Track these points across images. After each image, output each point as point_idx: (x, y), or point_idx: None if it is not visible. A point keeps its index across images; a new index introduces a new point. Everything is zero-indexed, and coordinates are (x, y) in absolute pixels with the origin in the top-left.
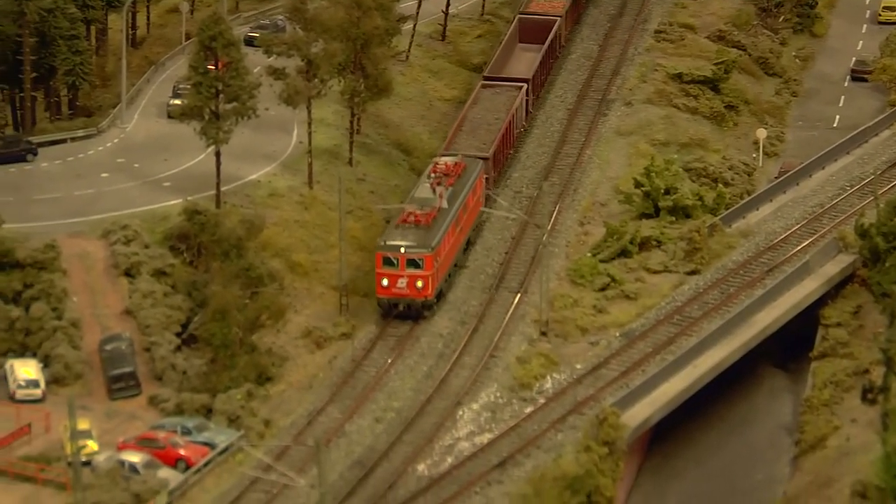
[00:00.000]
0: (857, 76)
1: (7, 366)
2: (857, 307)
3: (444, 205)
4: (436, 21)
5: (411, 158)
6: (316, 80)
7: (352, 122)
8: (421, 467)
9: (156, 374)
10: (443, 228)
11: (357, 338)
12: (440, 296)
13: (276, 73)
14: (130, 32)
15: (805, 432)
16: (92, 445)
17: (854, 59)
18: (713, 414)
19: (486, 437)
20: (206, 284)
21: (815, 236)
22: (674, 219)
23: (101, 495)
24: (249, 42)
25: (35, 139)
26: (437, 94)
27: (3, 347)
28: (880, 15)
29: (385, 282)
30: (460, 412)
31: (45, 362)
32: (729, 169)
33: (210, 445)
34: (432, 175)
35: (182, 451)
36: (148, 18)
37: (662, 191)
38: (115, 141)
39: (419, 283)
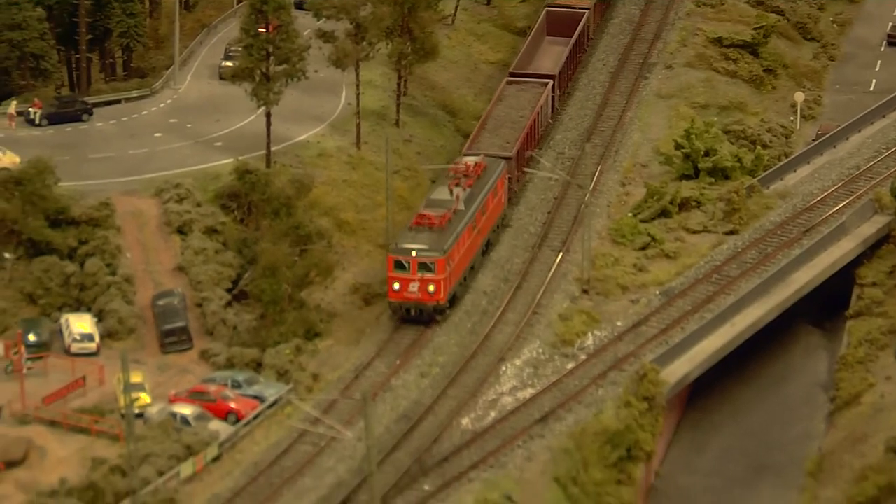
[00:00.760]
0: (894, 41)
1: (63, 320)
2: (892, 267)
3: (461, 206)
4: None
5: (456, 120)
6: (364, 42)
7: (399, 85)
8: (465, 421)
9: (207, 329)
10: (457, 231)
11: None
12: (454, 300)
13: (326, 36)
14: None
15: (840, 389)
16: (144, 398)
17: (890, 24)
18: (750, 371)
19: (528, 392)
20: (256, 242)
21: (851, 197)
22: (713, 180)
23: (153, 447)
24: (299, 5)
25: (90, 100)
26: (482, 58)
27: (59, 302)
28: None
29: (396, 286)
30: (503, 368)
31: (100, 317)
32: (767, 131)
33: (259, 399)
34: (451, 175)
35: (232, 405)
36: None
37: (702, 152)
38: (168, 102)
39: (431, 288)
